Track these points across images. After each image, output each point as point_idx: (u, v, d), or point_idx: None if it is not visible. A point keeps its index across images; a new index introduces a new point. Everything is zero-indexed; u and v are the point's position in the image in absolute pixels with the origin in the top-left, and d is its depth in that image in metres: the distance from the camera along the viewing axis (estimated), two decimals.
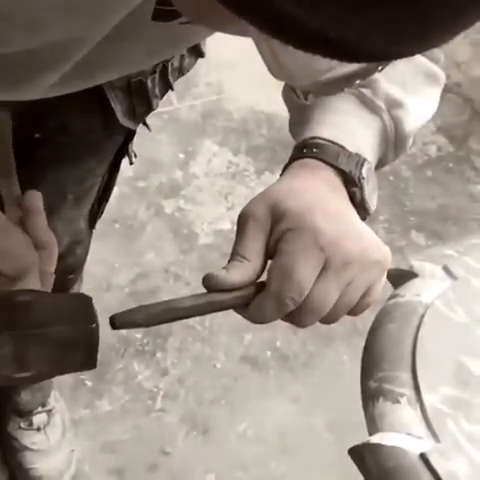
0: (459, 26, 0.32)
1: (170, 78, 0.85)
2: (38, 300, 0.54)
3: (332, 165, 0.64)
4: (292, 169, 0.65)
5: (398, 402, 0.54)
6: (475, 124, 2.17)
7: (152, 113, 0.90)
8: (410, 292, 0.64)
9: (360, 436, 0.57)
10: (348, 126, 0.67)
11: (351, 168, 0.64)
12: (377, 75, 0.67)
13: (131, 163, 1.00)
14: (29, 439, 1.39)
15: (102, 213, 1.07)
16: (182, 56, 0.85)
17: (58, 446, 1.41)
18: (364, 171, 0.64)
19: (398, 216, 1.93)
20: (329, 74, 0.57)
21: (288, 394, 1.58)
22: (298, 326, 0.61)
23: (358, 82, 0.61)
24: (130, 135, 0.94)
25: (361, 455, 0.51)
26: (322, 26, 0.30)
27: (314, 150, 0.65)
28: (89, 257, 1.19)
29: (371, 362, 0.58)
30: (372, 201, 0.66)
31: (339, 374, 1.59)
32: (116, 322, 0.54)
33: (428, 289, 0.64)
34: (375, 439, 0.52)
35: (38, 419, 1.39)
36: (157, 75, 0.84)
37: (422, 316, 0.60)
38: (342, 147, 0.65)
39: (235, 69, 2.10)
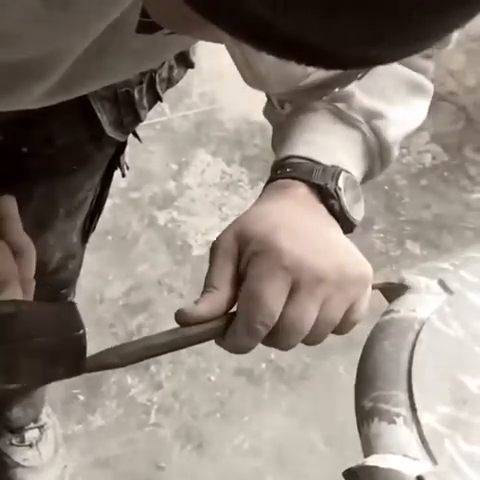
0: (439, 30, 0.31)
1: (158, 89, 0.84)
2: (22, 310, 0.53)
3: (307, 181, 0.63)
4: (265, 192, 0.64)
5: (394, 422, 0.53)
6: (469, 132, 2.17)
7: (145, 124, 0.89)
8: (405, 307, 0.62)
9: (357, 449, 0.56)
10: (323, 141, 0.66)
11: (327, 181, 0.63)
12: (353, 89, 0.66)
13: (123, 175, 0.99)
14: (21, 455, 1.37)
15: (95, 227, 1.06)
16: (171, 67, 0.84)
17: (51, 462, 1.39)
18: (341, 182, 0.63)
19: (393, 225, 1.92)
20: (305, 81, 0.55)
21: (284, 406, 1.57)
22: (280, 349, 0.60)
23: (337, 90, 0.60)
24: (121, 147, 0.93)
25: (356, 478, 0.50)
26: (297, 31, 0.29)
27: (288, 170, 0.64)
28: (82, 269, 1.18)
29: (365, 381, 0.56)
30: (355, 211, 0.64)
31: (335, 386, 1.58)
32: (89, 366, 0.54)
33: (424, 304, 0.62)
34: (371, 461, 0.50)
35: (30, 435, 1.37)
36: (144, 86, 0.83)
37: (418, 332, 0.59)
38: (317, 162, 0.64)
39: (228, 79, 2.09)
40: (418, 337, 0.58)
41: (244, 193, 1.94)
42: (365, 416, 0.54)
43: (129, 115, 0.85)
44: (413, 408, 0.53)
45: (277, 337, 0.58)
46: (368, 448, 0.53)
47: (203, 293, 0.58)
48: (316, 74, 0.43)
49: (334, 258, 0.57)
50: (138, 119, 0.86)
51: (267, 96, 0.69)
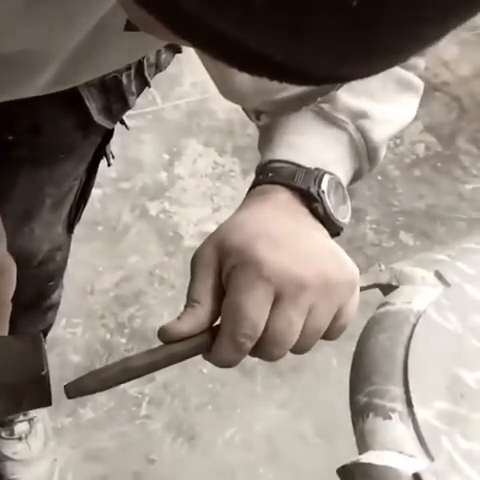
0: (405, 50, 0.30)
1: (146, 74, 0.83)
2: None
3: (289, 186, 0.61)
4: (246, 200, 0.63)
5: (389, 418, 0.51)
6: (463, 123, 2.16)
7: (136, 113, 0.88)
8: (401, 300, 0.61)
9: (350, 442, 0.55)
10: (306, 143, 0.65)
11: (309, 184, 0.61)
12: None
13: (109, 164, 0.97)
14: (10, 449, 1.36)
15: (80, 218, 1.05)
16: (158, 51, 0.83)
17: (40, 455, 1.38)
18: (324, 184, 0.61)
19: (386, 216, 1.91)
20: (283, 93, 0.54)
21: (276, 399, 1.56)
22: (268, 361, 0.58)
23: (320, 99, 0.58)
24: (108, 135, 0.92)
25: (351, 475, 0.49)
26: (266, 50, 0.29)
27: (270, 175, 0.62)
28: (72, 260, 1.16)
29: (360, 375, 0.55)
30: (340, 213, 0.63)
31: (328, 378, 1.57)
32: (70, 392, 0.53)
33: (420, 296, 0.61)
34: (365, 458, 0.49)
35: (19, 428, 1.36)
36: (132, 71, 0.82)
37: (414, 325, 0.57)
38: (298, 165, 0.62)
39: None
40: (414, 330, 0.57)
41: (236, 183, 1.92)
42: (360, 411, 0.53)
43: (117, 101, 0.83)
44: (409, 403, 0.52)
45: (263, 349, 0.56)
46: (363, 444, 0.51)
47: (185, 308, 0.57)
48: (294, 87, 0.41)
49: (316, 264, 0.56)
50: (126, 106, 0.85)
51: (242, 109, 0.67)
